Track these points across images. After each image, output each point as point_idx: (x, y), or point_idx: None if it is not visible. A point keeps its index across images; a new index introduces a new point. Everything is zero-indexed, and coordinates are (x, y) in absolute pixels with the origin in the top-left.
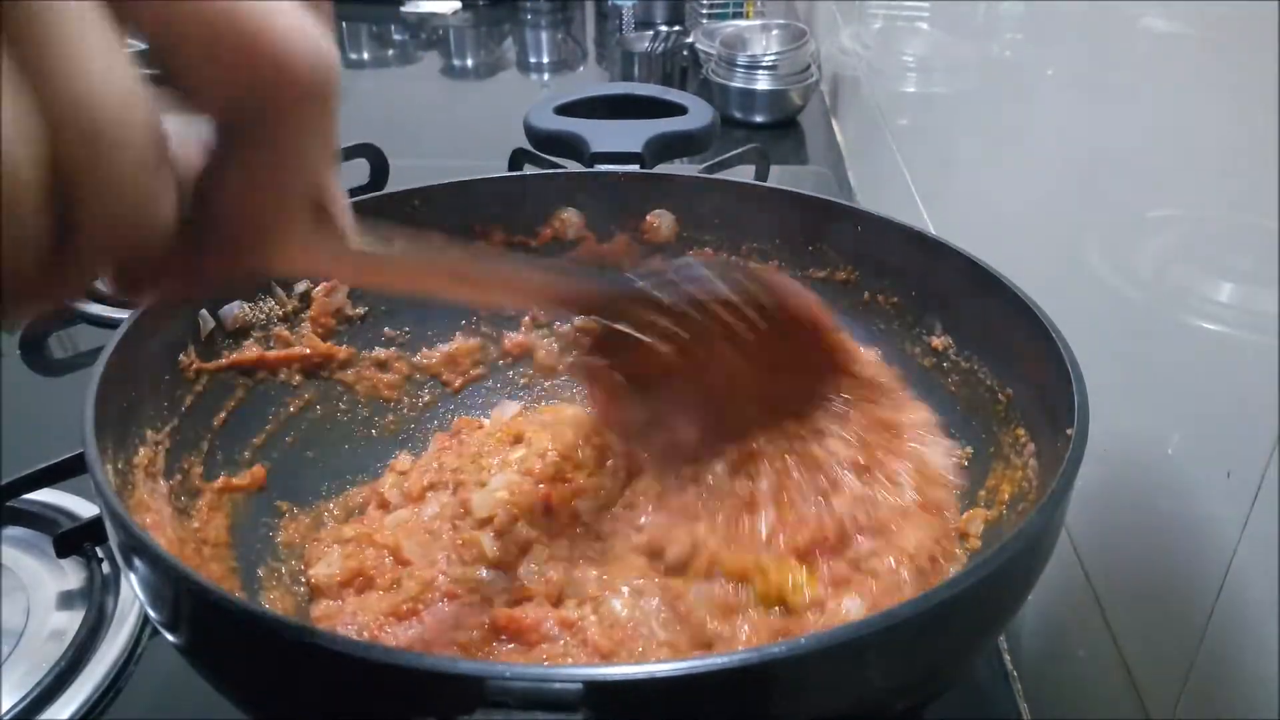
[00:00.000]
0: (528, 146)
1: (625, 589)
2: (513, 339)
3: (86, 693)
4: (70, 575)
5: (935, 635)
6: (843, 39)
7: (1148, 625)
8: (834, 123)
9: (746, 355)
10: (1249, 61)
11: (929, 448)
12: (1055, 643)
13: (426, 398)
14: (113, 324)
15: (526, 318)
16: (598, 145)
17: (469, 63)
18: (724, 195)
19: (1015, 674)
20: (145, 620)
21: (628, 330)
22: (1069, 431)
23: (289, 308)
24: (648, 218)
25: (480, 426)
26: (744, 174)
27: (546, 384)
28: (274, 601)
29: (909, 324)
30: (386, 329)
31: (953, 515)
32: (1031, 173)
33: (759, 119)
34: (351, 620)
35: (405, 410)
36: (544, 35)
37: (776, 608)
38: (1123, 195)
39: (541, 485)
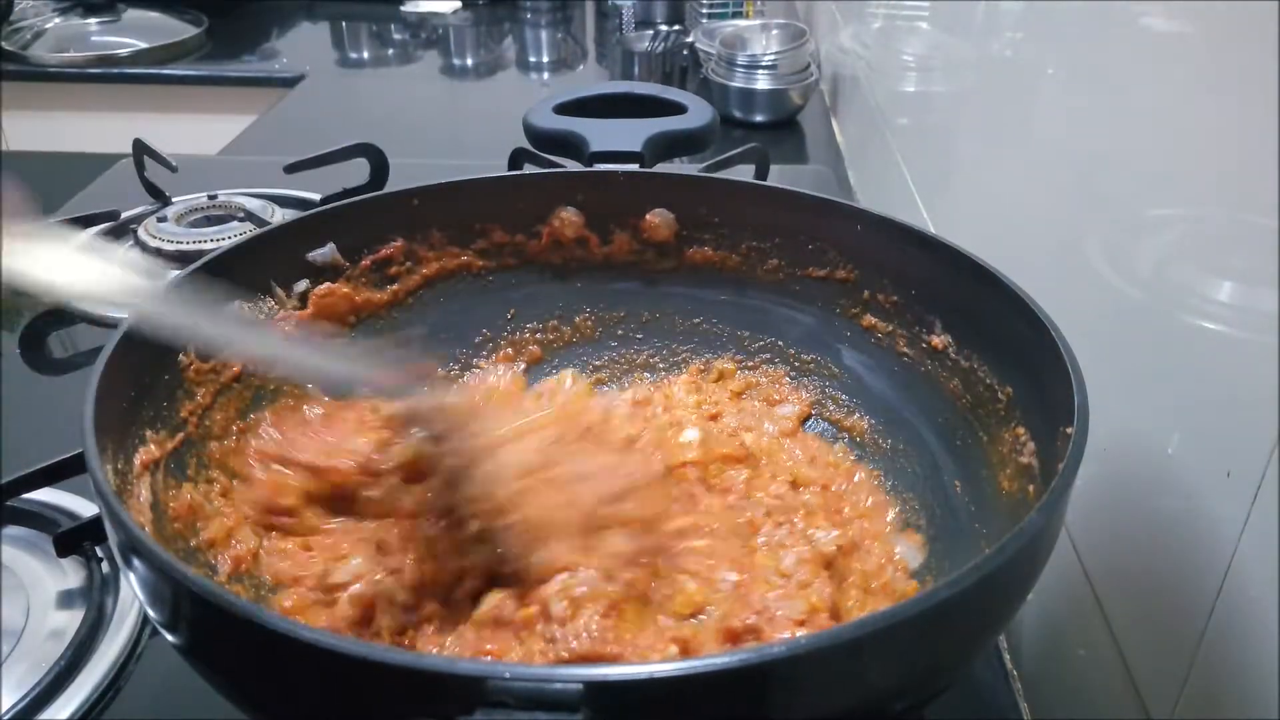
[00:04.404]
0: (527, 146)
1: None
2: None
3: (86, 692)
4: (70, 575)
5: (935, 635)
6: (842, 38)
7: (1148, 625)
8: (834, 122)
9: None
10: (1249, 61)
11: None
12: (1055, 643)
13: None
14: (113, 324)
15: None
16: (597, 144)
17: (469, 62)
18: (724, 194)
19: (1015, 674)
20: (145, 620)
21: None
22: (1069, 431)
23: (289, 306)
24: (647, 217)
25: None
26: (744, 173)
27: None
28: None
29: (909, 323)
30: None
31: None
32: (1031, 172)
33: (759, 118)
34: None
35: None
36: (544, 34)
37: None
38: (1123, 194)
39: None
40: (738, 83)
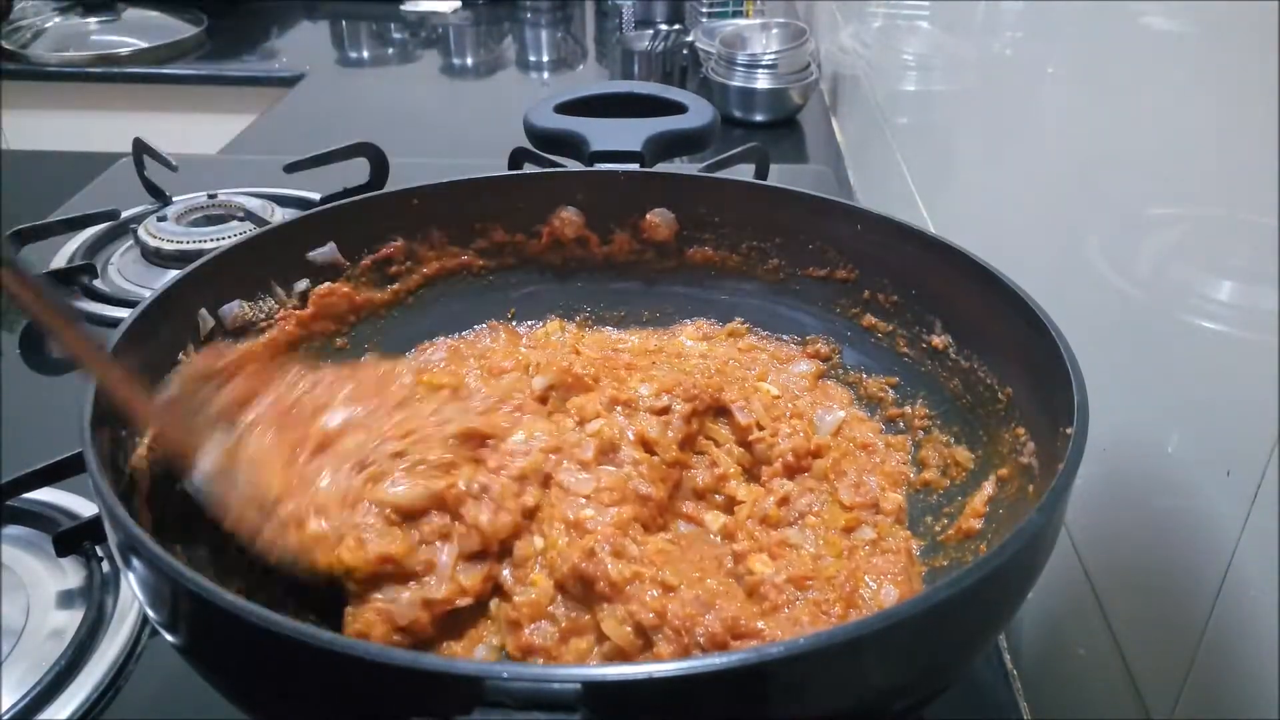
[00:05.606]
0: (528, 145)
1: None
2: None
3: (86, 692)
4: (70, 574)
5: (935, 635)
6: (842, 38)
7: (1148, 624)
8: (834, 121)
9: None
10: (1249, 61)
11: None
12: (1055, 642)
13: None
14: (113, 324)
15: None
16: (598, 144)
17: (469, 61)
18: (724, 194)
19: (1015, 674)
20: (145, 620)
21: None
22: (1068, 431)
23: (289, 305)
24: (648, 216)
25: None
26: (744, 173)
27: None
28: None
29: (909, 322)
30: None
31: None
32: (1031, 171)
33: (759, 118)
34: None
35: None
36: (544, 34)
37: None
38: (1123, 194)
39: None
40: (738, 82)
